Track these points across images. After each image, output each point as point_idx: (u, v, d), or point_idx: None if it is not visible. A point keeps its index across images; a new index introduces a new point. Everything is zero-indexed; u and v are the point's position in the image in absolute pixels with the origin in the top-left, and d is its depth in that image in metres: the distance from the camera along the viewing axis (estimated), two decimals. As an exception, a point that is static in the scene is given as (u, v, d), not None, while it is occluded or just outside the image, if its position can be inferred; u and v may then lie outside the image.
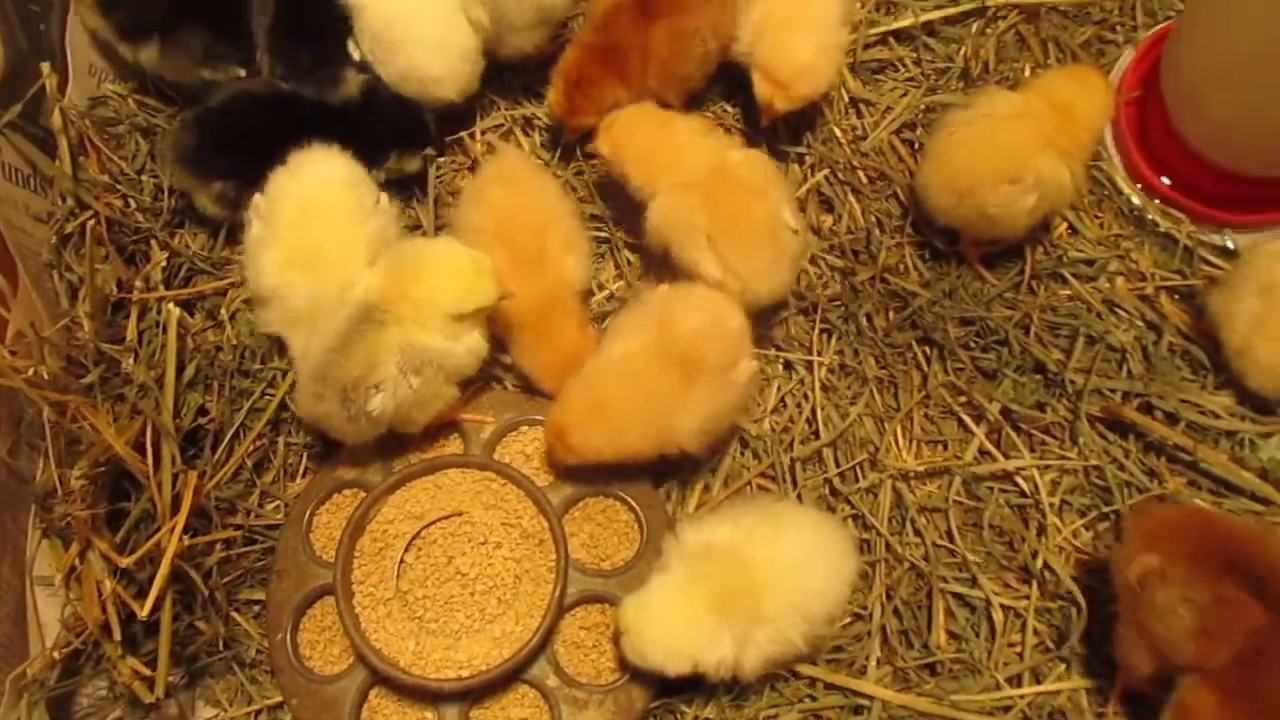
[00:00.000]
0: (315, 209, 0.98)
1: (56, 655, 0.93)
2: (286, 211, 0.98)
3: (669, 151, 1.02)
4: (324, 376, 0.91)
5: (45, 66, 1.08)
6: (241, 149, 1.05)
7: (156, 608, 0.92)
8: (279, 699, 0.99)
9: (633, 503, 1.01)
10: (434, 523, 0.98)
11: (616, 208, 1.14)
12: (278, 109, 1.07)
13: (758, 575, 0.89)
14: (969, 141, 1.04)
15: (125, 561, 0.91)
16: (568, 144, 1.16)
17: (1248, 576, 0.85)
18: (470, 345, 0.95)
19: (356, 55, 1.08)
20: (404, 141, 1.10)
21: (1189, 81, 1.08)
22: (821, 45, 1.05)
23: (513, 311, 0.98)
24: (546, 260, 1.01)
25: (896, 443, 1.08)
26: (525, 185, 1.04)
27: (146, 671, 0.93)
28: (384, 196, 1.03)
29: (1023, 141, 1.03)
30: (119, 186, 1.11)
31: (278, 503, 1.06)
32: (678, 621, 0.89)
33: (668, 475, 1.05)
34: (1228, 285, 1.05)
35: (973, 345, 1.10)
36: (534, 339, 1.01)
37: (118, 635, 0.91)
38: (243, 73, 1.10)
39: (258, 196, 1.00)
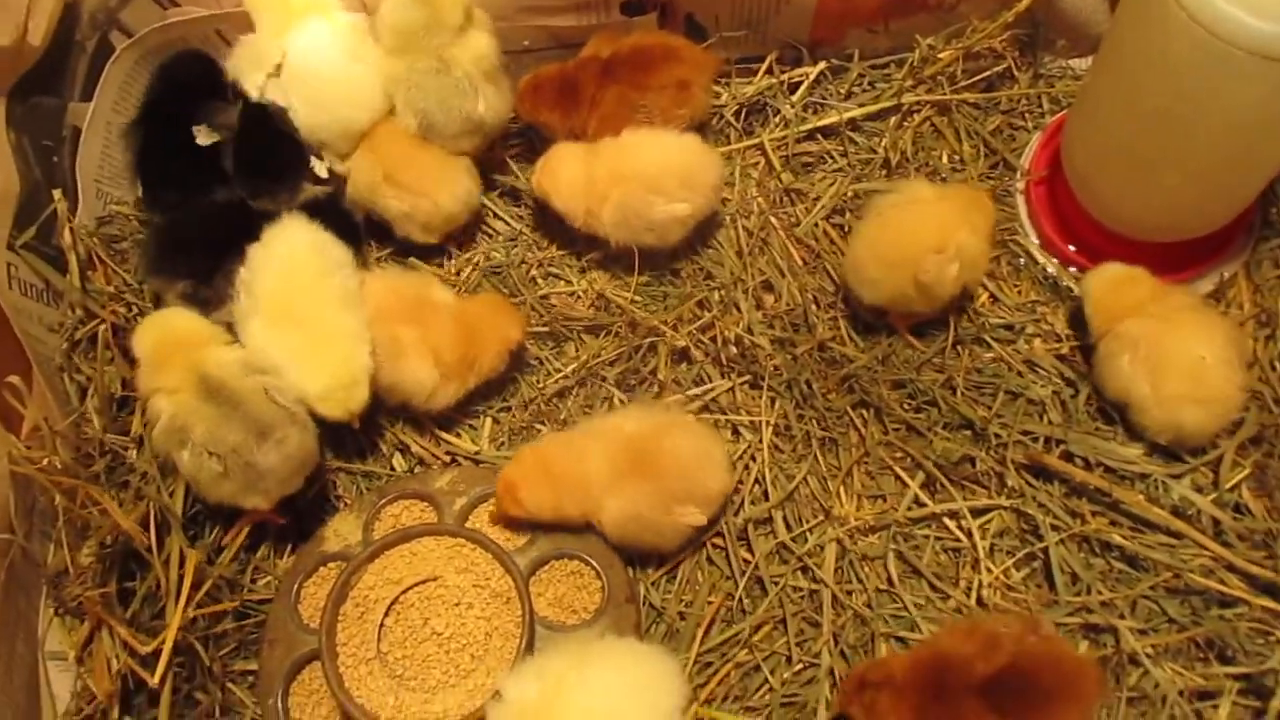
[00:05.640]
0: (288, 271, 1.10)
1: (67, 725, 1.01)
2: (265, 279, 1.09)
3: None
4: None
5: (57, 193, 1.21)
6: (199, 251, 1.16)
7: (163, 679, 1.01)
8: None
9: (594, 563, 1.09)
10: (411, 587, 1.06)
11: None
12: (232, 215, 1.18)
13: None
14: (897, 221, 1.17)
15: (145, 648, 1.00)
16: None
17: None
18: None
19: (323, 173, 1.22)
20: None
21: (1080, 164, 1.20)
22: None
23: None
24: None
25: (840, 499, 1.17)
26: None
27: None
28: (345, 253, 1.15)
29: (945, 218, 1.16)
30: (124, 295, 1.23)
31: (269, 578, 1.15)
32: None
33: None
34: (1104, 349, 1.15)
35: (906, 407, 1.19)
36: None
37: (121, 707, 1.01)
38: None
39: (241, 271, 1.11)
